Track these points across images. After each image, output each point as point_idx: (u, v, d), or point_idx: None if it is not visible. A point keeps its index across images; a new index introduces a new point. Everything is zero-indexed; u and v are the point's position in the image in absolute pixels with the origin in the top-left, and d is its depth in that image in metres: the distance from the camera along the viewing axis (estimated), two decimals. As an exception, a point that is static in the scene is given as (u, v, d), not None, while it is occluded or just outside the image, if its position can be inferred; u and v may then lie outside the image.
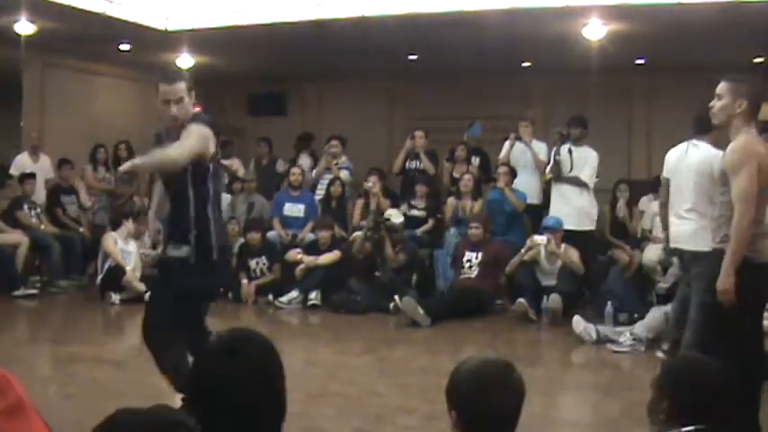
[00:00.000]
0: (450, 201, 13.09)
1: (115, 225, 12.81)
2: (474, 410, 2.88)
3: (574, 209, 11.50)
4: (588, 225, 11.66)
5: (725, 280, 5.35)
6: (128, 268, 12.14)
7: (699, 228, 7.03)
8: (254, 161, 16.29)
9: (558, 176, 11.63)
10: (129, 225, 12.62)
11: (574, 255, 11.17)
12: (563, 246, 11.16)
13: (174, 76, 6.30)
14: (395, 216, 12.22)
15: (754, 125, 5.60)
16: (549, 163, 11.89)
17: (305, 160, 15.43)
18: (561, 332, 10.13)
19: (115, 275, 12.06)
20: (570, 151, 11.53)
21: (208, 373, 2.52)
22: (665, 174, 7.74)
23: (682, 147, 7.61)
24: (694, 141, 7.48)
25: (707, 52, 13.39)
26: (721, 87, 5.59)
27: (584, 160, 11.56)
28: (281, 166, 16.22)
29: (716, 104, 5.61)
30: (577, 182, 11.51)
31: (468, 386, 2.91)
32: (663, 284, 11.14)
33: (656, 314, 9.31)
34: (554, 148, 11.79)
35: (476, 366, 2.96)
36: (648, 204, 12.33)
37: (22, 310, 11.80)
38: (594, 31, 12.74)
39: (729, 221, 5.44)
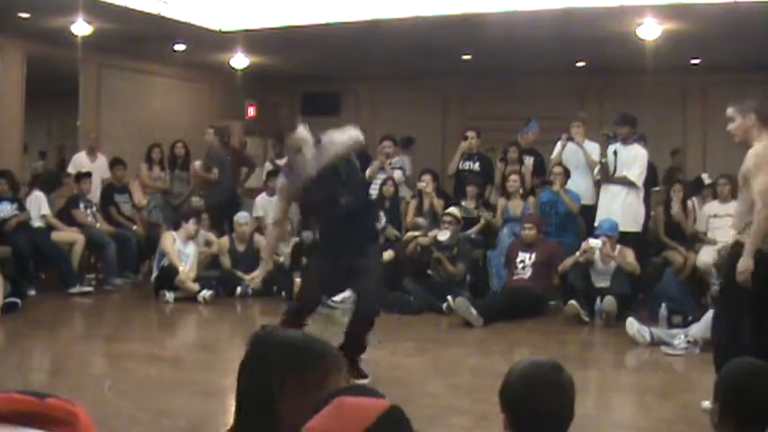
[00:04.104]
0: (501, 201, 13.04)
1: (176, 225, 12.90)
2: (522, 412, 2.88)
3: (620, 209, 11.40)
4: (633, 226, 11.50)
5: (746, 261, 6.20)
6: (184, 268, 12.22)
7: None
8: None
9: (606, 178, 11.56)
10: (189, 227, 12.69)
11: (629, 255, 11.07)
12: (618, 247, 11.08)
13: None
14: (441, 234, 12.11)
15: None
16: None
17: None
18: (614, 334, 10.06)
19: (169, 274, 12.15)
20: (615, 153, 11.45)
21: (258, 371, 2.53)
22: None
23: None
24: None
25: (763, 52, 13.24)
26: (729, 111, 6.58)
27: (633, 159, 11.46)
28: None
29: (731, 127, 6.53)
30: (626, 181, 11.41)
31: (516, 388, 2.92)
32: (718, 287, 11.04)
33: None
34: (601, 151, 11.76)
35: (524, 368, 2.97)
36: (701, 206, 12.25)
37: (78, 308, 11.93)
38: (649, 30, 12.65)
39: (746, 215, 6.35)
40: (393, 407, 1.93)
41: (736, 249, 6.49)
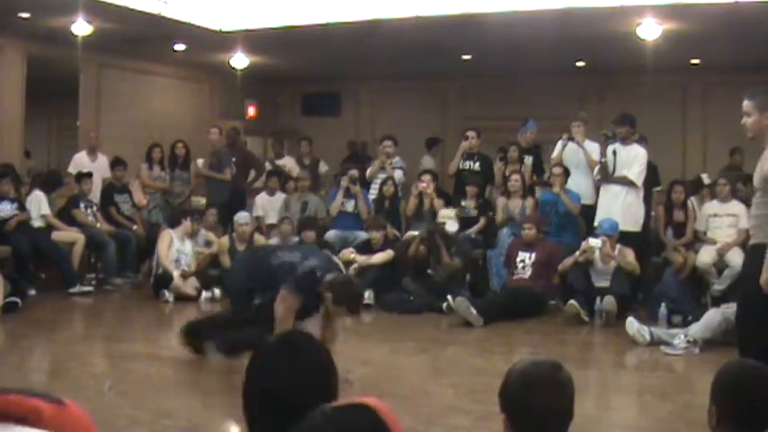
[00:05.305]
0: (501, 200, 13.04)
1: (174, 223, 12.91)
2: (522, 411, 2.89)
3: (620, 209, 11.39)
4: (633, 226, 11.47)
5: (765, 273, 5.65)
6: (182, 268, 12.21)
7: None
8: (294, 160, 16.27)
9: (606, 178, 11.54)
10: (186, 224, 12.70)
11: (629, 255, 11.05)
12: (618, 247, 11.07)
13: None
14: (449, 224, 12.14)
15: None
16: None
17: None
18: (614, 334, 10.04)
19: (165, 280, 12.15)
20: (615, 152, 11.44)
21: (265, 371, 2.53)
22: None
23: None
24: None
25: (763, 52, 13.24)
26: (746, 105, 6.00)
27: (633, 159, 11.44)
28: (323, 167, 16.26)
29: (747, 122, 6.01)
30: (626, 181, 11.40)
31: (515, 387, 2.92)
32: (718, 286, 11.04)
33: (714, 316, 9.19)
34: (601, 150, 11.76)
35: (524, 368, 2.98)
36: (700, 206, 12.26)
37: (78, 308, 11.92)
38: (649, 30, 12.65)
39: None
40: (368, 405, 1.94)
41: (758, 252, 6.02)
